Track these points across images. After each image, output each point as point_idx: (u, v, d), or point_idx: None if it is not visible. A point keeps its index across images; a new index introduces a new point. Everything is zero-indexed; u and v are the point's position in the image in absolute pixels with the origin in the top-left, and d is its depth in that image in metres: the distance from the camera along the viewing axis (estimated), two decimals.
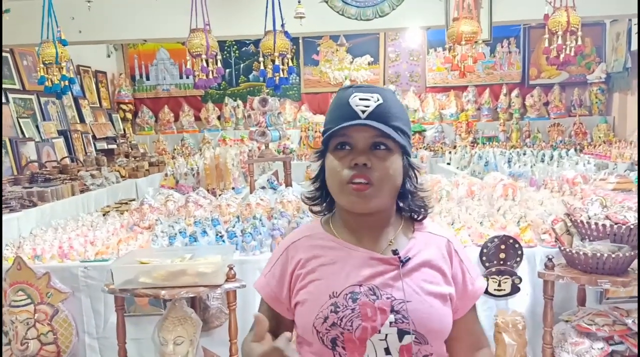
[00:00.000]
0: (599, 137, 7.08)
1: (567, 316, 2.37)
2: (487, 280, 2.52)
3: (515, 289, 2.52)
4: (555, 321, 2.34)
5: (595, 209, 2.27)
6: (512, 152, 5.44)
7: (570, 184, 3.36)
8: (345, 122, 1.03)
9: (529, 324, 2.44)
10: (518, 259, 2.52)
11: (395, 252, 1.07)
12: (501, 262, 2.51)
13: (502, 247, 2.50)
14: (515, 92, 7.77)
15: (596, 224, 2.18)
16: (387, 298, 1.03)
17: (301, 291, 1.08)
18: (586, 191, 3.02)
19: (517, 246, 2.50)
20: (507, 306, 2.54)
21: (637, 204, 2.26)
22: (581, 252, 2.14)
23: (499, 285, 2.52)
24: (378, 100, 1.04)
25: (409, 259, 1.07)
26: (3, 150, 4.92)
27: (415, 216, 1.14)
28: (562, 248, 2.27)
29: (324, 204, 1.16)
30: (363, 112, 1.03)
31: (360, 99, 1.04)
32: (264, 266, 1.20)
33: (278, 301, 1.12)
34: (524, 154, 5.28)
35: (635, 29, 6.36)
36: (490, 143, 7.08)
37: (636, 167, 4.28)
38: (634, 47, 6.49)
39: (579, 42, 3.73)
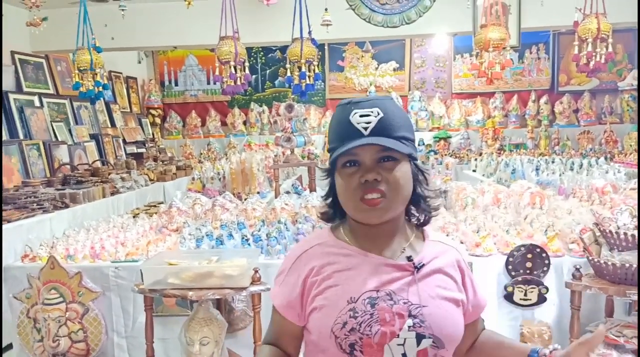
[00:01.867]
0: (630, 145, 6.91)
1: (594, 327, 2.33)
2: (513, 289, 2.50)
3: (541, 299, 2.49)
4: (582, 332, 2.30)
5: (624, 219, 2.24)
6: (540, 159, 5.35)
7: (599, 193, 3.30)
8: (349, 141, 1.04)
9: (555, 334, 2.41)
10: (545, 268, 2.49)
11: (409, 258, 1.09)
12: (527, 271, 2.49)
13: (529, 256, 2.47)
14: (544, 99, 7.65)
15: (625, 234, 2.15)
16: (404, 303, 1.05)
17: (317, 297, 1.08)
18: (615, 201, 2.97)
19: (544, 255, 2.48)
20: (533, 316, 2.51)
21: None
22: (609, 263, 2.11)
23: (525, 294, 2.50)
24: (379, 114, 1.05)
25: (423, 265, 1.09)
26: (37, 153, 5.09)
27: (423, 219, 1.16)
28: (590, 258, 2.24)
29: (337, 218, 1.18)
30: (365, 129, 1.04)
31: (360, 116, 1.05)
32: (283, 262, 1.22)
33: (291, 308, 1.13)
34: (553, 162, 5.19)
35: None
36: (518, 150, 6.98)
37: None
38: None
39: (610, 50, 3.68)
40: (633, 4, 5.00)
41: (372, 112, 1.06)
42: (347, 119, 1.07)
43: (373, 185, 1.04)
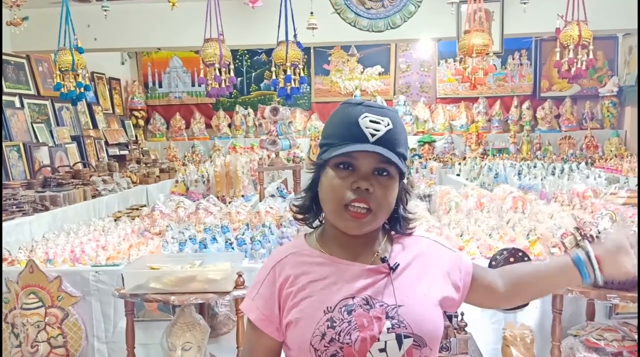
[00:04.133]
0: (611, 150, 7.03)
1: (576, 331, 2.36)
2: None
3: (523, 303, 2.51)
4: (564, 336, 2.32)
5: (605, 224, 2.26)
6: (522, 164, 5.43)
7: (580, 197, 3.35)
8: (353, 142, 1.01)
9: (537, 338, 2.43)
10: None
11: (384, 259, 1.08)
12: None
13: (511, 260, 2.49)
14: (526, 104, 7.75)
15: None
16: (381, 306, 1.03)
17: (293, 309, 1.05)
18: (596, 205, 3.01)
19: (526, 259, 2.50)
20: (516, 320, 2.53)
21: (637, 213, 2.25)
22: None
23: None
24: (388, 125, 1.02)
25: (398, 265, 1.08)
26: (17, 155, 5.00)
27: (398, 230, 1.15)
28: None
29: (311, 214, 1.15)
30: (372, 136, 1.01)
31: (370, 121, 1.02)
32: (257, 274, 1.18)
33: (269, 322, 1.09)
34: (535, 167, 5.26)
35: None
36: (501, 155, 7.06)
37: None
38: None
39: (591, 56, 3.74)
40: (613, 11, 5.10)
41: (382, 120, 1.02)
42: (355, 120, 1.03)
43: (363, 194, 1.01)
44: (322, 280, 1.06)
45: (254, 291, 1.12)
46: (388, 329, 1.02)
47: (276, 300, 1.08)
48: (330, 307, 1.03)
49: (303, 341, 1.03)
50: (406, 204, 1.13)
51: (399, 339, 1.02)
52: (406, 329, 1.02)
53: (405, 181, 1.11)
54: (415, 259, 1.11)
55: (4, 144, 4.82)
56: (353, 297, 1.04)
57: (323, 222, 1.15)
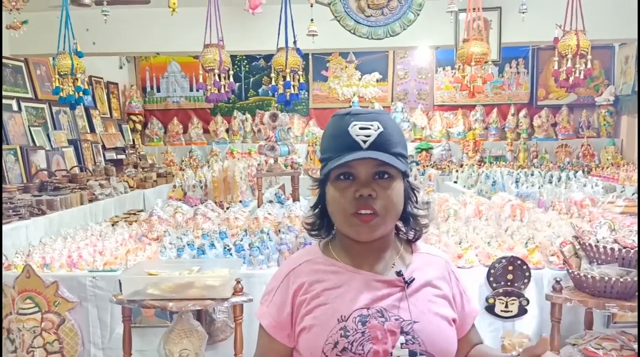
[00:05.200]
0: (607, 159, 7.07)
1: (574, 339, 2.36)
2: (494, 301, 2.52)
3: (522, 311, 2.51)
4: (562, 344, 2.33)
5: (603, 232, 2.27)
6: (519, 172, 5.44)
7: (578, 206, 3.36)
8: (346, 152, 1.02)
9: None
10: (526, 280, 2.51)
11: (399, 273, 1.07)
12: (508, 283, 2.51)
13: (510, 268, 2.50)
14: (523, 113, 7.79)
15: (604, 247, 2.18)
16: (396, 319, 1.03)
17: (307, 316, 1.06)
18: (594, 214, 3.02)
19: (524, 267, 2.50)
20: (514, 328, 2.53)
21: (637, 220, 2.26)
22: (589, 276, 2.14)
23: (506, 306, 2.52)
24: (378, 128, 1.03)
25: (413, 279, 1.08)
26: (14, 158, 4.97)
27: (411, 236, 1.15)
28: (570, 271, 2.26)
29: (323, 230, 1.16)
30: (364, 142, 1.02)
31: (360, 129, 1.03)
32: (270, 280, 1.19)
33: (281, 329, 1.09)
34: (532, 175, 5.27)
35: None
36: (498, 162, 7.07)
37: None
38: None
39: (589, 66, 3.76)
40: (611, 21, 5.14)
41: (372, 125, 1.03)
42: (345, 130, 1.04)
43: (367, 200, 1.02)
44: (336, 288, 1.06)
45: (268, 299, 1.13)
46: (402, 344, 1.02)
47: (289, 307, 1.09)
48: (345, 317, 1.03)
49: (315, 347, 1.03)
50: (416, 201, 1.13)
51: (412, 356, 1.02)
52: (420, 346, 1.02)
53: (411, 178, 1.12)
54: (433, 279, 1.11)
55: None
56: (368, 308, 1.04)
57: (335, 231, 1.15)
